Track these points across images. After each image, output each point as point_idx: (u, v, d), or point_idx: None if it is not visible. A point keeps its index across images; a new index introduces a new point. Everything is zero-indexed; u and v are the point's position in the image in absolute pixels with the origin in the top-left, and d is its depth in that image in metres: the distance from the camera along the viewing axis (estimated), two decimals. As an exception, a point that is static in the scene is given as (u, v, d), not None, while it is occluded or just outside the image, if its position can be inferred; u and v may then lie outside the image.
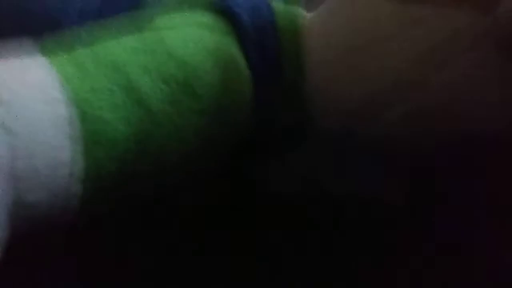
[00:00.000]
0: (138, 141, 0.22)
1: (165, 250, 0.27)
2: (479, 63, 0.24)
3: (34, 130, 0.20)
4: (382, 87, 0.24)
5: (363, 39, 0.25)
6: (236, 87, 0.25)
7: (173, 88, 0.23)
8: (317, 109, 0.26)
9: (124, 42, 0.24)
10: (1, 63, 0.22)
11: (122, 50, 0.23)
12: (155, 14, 0.25)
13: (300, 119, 0.26)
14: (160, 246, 0.27)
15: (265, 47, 0.25)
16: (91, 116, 0.21)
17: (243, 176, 0.28)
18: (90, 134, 0.21)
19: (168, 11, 0.26)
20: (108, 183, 0.23)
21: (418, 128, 0.24)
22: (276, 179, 0.28)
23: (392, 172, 0.27)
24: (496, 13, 0.23)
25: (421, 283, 0.25)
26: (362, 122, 0.25)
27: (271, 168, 0.28)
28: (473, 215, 0.26)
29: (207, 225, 0.27)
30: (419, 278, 0.25)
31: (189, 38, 0.24)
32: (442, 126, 0.24)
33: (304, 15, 0.27)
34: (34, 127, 0.20)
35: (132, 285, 0.26)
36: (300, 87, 0.25)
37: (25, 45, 0.23)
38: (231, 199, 0.28)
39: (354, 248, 0.27)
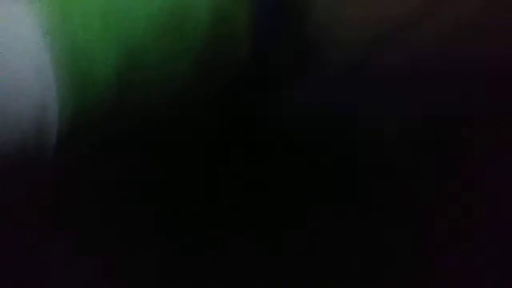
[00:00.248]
0: (118, 65, 0.21)
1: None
2: None
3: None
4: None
5: None
6: (232, 9, 0.24)
7: (158, 6, 0.22)
8: (324, 35, 0.25)
9: None
10: None
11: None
12: None
13: (303, 46, 0.26)
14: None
15: None
16: (63, 39, 0.20)
17: (243, 109, 0.28)
18: (64, 59, 0.20)
19: None
20: (88, 114, 0.22)
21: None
22: (277, 112, 0.28)
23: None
24: None
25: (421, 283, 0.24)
26: (383, 45, 0.25)
27: (271, 101, 0.28)
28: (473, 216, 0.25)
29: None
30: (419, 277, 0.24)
31: None
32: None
33: None
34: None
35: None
36: (305, 13, 0.25)
37: None
38: (231, 135, 0.27)
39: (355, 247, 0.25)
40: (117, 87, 0.22)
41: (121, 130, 0.23)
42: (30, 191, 0.25)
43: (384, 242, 0.24)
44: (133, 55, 0.22)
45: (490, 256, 0.23)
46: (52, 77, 0.20)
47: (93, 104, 0.22)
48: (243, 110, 0.27)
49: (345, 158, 0.26)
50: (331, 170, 0.26)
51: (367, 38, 0.25)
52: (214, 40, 0.23)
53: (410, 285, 0.23)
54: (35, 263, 0.23)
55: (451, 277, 0.23)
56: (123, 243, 0.24)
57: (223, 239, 0.24)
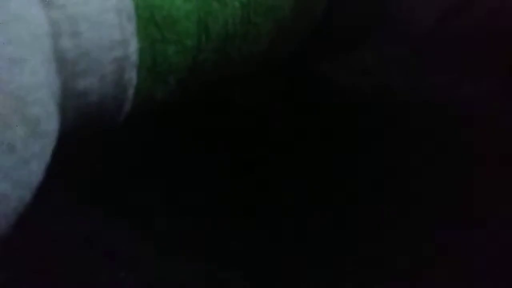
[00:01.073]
0: (199, 20, 0.20)
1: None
2: None
3: (76, 1, 0.17)
4: None
5: None
6: None
7: None
8: (399, 3, 0.24)
9: None
10: None
11: None
12: None
13: (376, 7, 0.25)
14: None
15: None
16: None
17: (306, 70, 0.26)
18: (143, 8, 0.19)
19: None
20: (165, 71, 0.20)
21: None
22: (341, 74, 0.27)
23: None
24: None
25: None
26: (459, 11, 0.24)
27: (336, 63, 0.27)
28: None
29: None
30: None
31: None
32: None
33: None
34: None
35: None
36: None
37: None
38: (294, 96, 0.26)
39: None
40: (197, 41, 0.19)
41: (198, 87, 0.21)
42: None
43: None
44: (215, 7, 0.20)
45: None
46: (132, 28, 0.18)
47: (172, 60, 0.19)
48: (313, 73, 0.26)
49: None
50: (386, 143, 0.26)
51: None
52: (299, 1, 0.22)
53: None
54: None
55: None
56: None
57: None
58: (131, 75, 0.20)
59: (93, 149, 0.24)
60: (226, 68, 0.22)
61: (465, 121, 0.28)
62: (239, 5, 0.21)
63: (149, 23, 0.19)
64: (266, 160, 0.27)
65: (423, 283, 0.23)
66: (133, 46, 0.19)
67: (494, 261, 0.23)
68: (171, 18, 0.20)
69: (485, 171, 0.25)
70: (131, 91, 0.20)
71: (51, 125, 0.17)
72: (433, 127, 0.28)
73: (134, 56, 0.20)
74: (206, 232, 0.23)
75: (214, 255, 0.23)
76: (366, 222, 0.24)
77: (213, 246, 0.23)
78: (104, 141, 0.24)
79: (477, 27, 0.26)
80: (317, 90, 0.30)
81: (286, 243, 0.24)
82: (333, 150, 0.27)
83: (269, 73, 0.27)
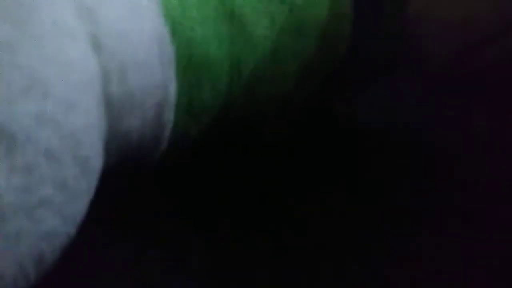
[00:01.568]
0: (231, 63, 0.21)
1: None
2: None
3: (125, 49, 0.18)
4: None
5: None
6: (338, 7, 0.23)
7: (269, 6, 0.21)
8: (420, 32, 0.25)
9: None
10: None
11: None
12: None
13: (394, 50, 0.26)
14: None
15: None
16: (181, 33, 0.20)
17: (326, 108, 0.28)
18: (182, 54, 0.20)
19: None
20: (199, 111, 0.22)
21: None
22: (359, 112, 0.28)
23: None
24: None
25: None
26: (480, 44, 0.24)
27: (354, 101, 0.28)
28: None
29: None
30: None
31: None
32: None
33: None
34: (124, 45, 0.18)
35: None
36: (402, 7, 0.25)
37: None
38: (313, 133, 0.27)
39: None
40: (229, 84, 0.21)
41: (228, 126, 0.22)
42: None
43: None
44: (246, 52, 0.21)
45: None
46: (172, 73, 0.19)
47: (206, 101, 0.21)
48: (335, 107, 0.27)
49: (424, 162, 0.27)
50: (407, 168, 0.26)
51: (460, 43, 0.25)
52: (326, 41, 0.23)
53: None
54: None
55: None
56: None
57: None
58: (169, 116, 0.21)
59: (126, 182, 0.26)
60: (254, 107, 0.24)
61: (480, 158, 0.29)
62: (269, 49, 0.22)
63: (187, 68, 0.21)
64: (290, 192, 0.28)
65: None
66: (172, 90, 0.20)
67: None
68: (207, 63, 0.21)
69: (499, 209, 0.26)
70: (168, 131, 0.22)
71: (98, 164, 0.19)
72: (446, 165, 0.29)
73: (172, 99, 0.21)
74: (238, 263, 0.24)
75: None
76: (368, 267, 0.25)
77: (245, 278, 0.24)
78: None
79: (492, 65, 0.27)
80: (333, 127, 0.31)
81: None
82: (349, 187, 0.28)
83: (291, 111, 0.28)
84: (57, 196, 0.18)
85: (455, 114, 0.32)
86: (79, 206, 0.19)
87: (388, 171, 0.29)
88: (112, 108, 0.19)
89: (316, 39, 0.23)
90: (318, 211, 0.27)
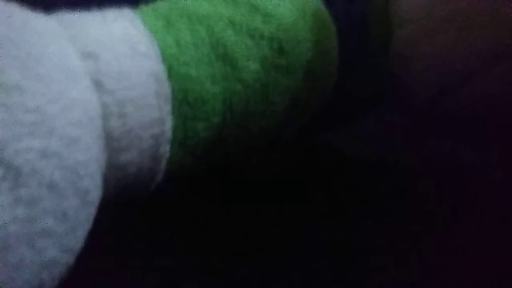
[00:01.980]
0: (224, 101, 0.22)
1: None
2: None
3: (124, 87, 0.20)
4: (495, 43, 0.23)
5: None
6: (325, 45, 0.24)
7: (259, 43, 0.22)
8: (402, 69, 0.26)
9: None
10: (84, 15, 0.21)
11: (205, 2, 0.22)
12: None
13: (380, 81, 0.26)
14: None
15: (351, 1, 0.25)
16: (177, 73, 0.21)
17: (313, 140, 0.29)
18: (178, 91, 0.21)
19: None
20: (194, 145, 0.22)
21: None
22: (347, 142, 0.29)
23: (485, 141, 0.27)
24: None
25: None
26: (460, 84, 0.25)
27: (341, 132, 0.29)
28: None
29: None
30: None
31: None
32: None
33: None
34: (124, 83, 0.20)
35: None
36: (386, 45, 0.26)
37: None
38: (300, 165, 0.28)
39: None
40: (222, 118, 0.22)
41: (220, 158, 0.24)
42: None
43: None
44: (238, 89, 0.22)
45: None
46: (168, 108, 0.21)
47: (201, 134, 0.22)
48: (321, 143, 0.28)
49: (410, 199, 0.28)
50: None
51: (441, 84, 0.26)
52: (312, 79, 0.24)
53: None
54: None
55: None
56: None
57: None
58: (165, 149, 0.22)
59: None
60: (246, 140, 0.25)
61: (463, 189, 0.30)
62: (259, 86, 0.23)
63: (182, 103, 0.21)
64: (279, 219, 0.29)
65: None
66: (168, 124, 0.22)
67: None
68: (201, 99, 0.22)
69: (486, 242, 0.27)
70: (164, 163, 0.22)
71: (97, 195, 0.20)
72: (435, 194, 0.30)
73: (168, 132, 0.22)
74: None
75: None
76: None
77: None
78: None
79: (477, 102, 0.27)
80: (323, 158, 0.32)
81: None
82: (339, 216, 0.29)
83: (281, 144, 0.29)
84: (58, 226, 0.19)
85: (440, 146, 0.33)
86: (78, 237, 0.20)
87: (375, 201, 0.30)
88: (111, 142, 0.20)
89: (303, 77, 0.23)
90: (304, 244, 0.28)
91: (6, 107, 0.16)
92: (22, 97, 0.17)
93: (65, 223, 0.19)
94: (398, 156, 0.32)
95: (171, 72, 0.21)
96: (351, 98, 0.27)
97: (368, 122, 0.33)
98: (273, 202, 0.29)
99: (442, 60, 0.25)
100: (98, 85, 0.19)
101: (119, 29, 0.20)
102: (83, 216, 0.19)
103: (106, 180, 0.20)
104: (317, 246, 0.28)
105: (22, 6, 0.19)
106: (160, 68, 0.21)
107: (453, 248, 0.27)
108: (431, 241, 0.28)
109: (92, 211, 0.20)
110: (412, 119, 0.31)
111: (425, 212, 0.29)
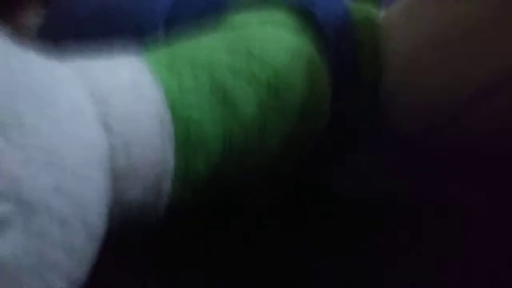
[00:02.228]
0: (224, 142, 0.23)
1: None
2: None
3: (130, 129, 0.21)
4: (478, 85, 0.24)
5: (455, 34, 0.24)
6: (317, 88, 0.25)
7: (257, 89, 0.24)
8: (395, 109, 0.26)
9: (207, 41, 0.24)
10: (94, 61, 0.22)
11: (206, 49, 0.24)
12: (230, 13, 0.26)
13: (373, 120, 0.27)
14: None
15: (342, 46, 0.26)
16: (180, 116, 0.22)
17: (305, 178, 0.29)
18: (180, 133, 0.22)
19: (242, 10, 0.26)
20: (194, 181, 0.24)
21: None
22: (340, 181, 0.30)
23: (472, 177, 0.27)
24: None
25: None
26: (447, 122, 0.25)
27: (334, 170, 0.30)
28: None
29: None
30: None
31: (267, 37, 0.25)
32: None
33: (380, 13, 0.27)
34: (130, 126, 0.21)
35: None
36: (377, 86, 0.26)
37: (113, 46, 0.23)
38: (292, 201, 0.29)
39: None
40: (222, 158, 0.24)
41: (218, 194, 0.25)
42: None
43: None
44: (237, 131, 0.24)
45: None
46: (171, 148, 0.22)
47: (201, 172, 0.23)
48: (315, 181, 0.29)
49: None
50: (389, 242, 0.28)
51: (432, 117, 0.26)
52: (305, 119, 0.25)
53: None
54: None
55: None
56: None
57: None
58: (167, 186, 0.23)
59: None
60: (243, 177, 0.26)
61: (452, 224, 0.30)
62: (256, 128, 0.24)
63: (184, 145, 0.23)
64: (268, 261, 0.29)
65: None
66: (171, 163, 0.23)
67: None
68: (202, 141, 0.23)
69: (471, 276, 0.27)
70: (166, 199, 0.23)
71: (102, 230, 0.21)
72: (430, 228, 0.30)
73: (171, 171, 0.23)
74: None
75: None
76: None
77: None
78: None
79: (464, 138, 0.27)
80: (315, 196, 0.32)
81: None
82: (332, 256, 0.30)
83: (275, 181, 0.30)
84: (66, 260, 0.20)
85: (430, 180, 0.33)
86: (83, 269, 0.21)
87: (365, 236, 0.31)
88: (118, 180, 0.21)
89: (297, 117, 0.25)
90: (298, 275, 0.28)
91: (23, 147, 0.18)
92: (36, 138, 0.18)
93: (73, 257, 0.20)
94: (388, 189, 0.33)
95: (174, 116, 0.22)
96: (343, 134, 0.29)
97: (360, 158, 0.33)
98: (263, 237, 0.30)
99: (428, 103, 0.27)
100: (106, 127, 0.21)
101: (127, 76, 0.22)
102: (89, 250, 0.20)
103: (110, 215, 0.21)
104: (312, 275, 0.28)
105: (40, 52, 0.21)
106: (164, 112, 0.22)
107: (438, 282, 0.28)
108: (417, 272, 0.28)
109: (96, 245, 0.21)
110: (400, 154, 0.32)
111: (414, 245, 0.30)
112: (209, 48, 0.24)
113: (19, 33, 0.21)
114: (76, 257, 0.20)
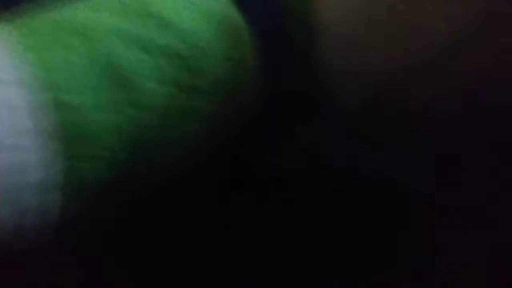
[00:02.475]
0: (126, 133, 0.19)
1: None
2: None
3: None
4: (415, 59, 0.22)
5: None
6: (241, 58, 0.20)
7: (166, 62, 0.18)
8: (326, 79, 0.23)
9: (94, 2, 0.18)
10: None
11: (92, 11, 0.18)
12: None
13: (308, 91, 0.23)
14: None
15: (268, 10, 0.22)
16: (58, 102, 0.17)
17: (242, 153, 0.25)
18: (62, 126, 0.17)
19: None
20: (90, 190, 0.19)
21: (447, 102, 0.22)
22: (279, 155, 0.26)
23: (416, 154, 0.25)
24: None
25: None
26: (392, 91, 0.22)
27: (272, 145, 0.26)
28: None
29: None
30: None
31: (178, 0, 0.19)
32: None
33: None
34: None
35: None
36: (310, 53, 0.22)
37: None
38: (230, 179, 0.25)
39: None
40: (123, 149, 0.18)
41: (128, 198, 0.20)
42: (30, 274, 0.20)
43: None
44: (137, 117, 0.19)
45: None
46: (54, 148, 0.16)
47: (101, 170, 0.18)
48: (248, 160, 0.25)
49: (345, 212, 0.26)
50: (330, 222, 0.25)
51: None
52: (227, 93, 0.21)
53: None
54: None
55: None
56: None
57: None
58: (55, 197, 0.18)
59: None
60: (155, 174, 0.21)
61: (391, 199, 0.28)
62: (164, 112, 0.20)
63: (74, 140, 0.18)
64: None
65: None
66: (53, 168, 0.18)
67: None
68: (92, 132, 0.18)
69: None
70: (54, 215, 0.19)
71: None
72: (372, 202, 0.28)
73: (57, 177, 0.18)
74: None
75: None
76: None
77: None
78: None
79: (403, 112, 0.26)
80: (256, 173, 0.30)
81: None
82: (279, 234, 0.26)
83: (200, 169, 0.26)
84: None
85: (371, 155, 0.32)
86: None
87: (312, 213, 0.27)
88: None
89: (217, 96, 0.20)
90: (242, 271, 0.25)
91: None
92: None
93: None
94: (332, 166, 0.30)
95: (51, 102, 0.17)
96: (278, 111, 0.25)
97: (300, 134, 0.30)
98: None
99: (368, 71, 0.23)
100: None
101: None
102: None
103: None
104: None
105: None
106: (35, 98, 0.16)
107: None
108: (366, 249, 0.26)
109: None
110: (336, 128, 0.29)
111: (362, 220, 0.27)
112: (97, 9, 0.18)
113: None
114: None
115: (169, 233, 0.25)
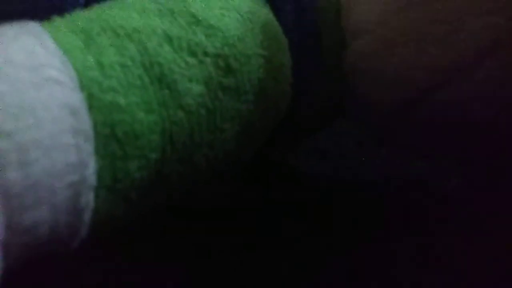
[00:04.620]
0: (163, 132, 0.18)
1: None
2: None
3: (26, 126, 0.15)
4: (446, 63, 0.21)
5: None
6: (276, 58, 0.20)
7: (202, 61, 0.18)
8: (359, 82, 0.22)
9: (135, 3, 0.18)
10: None
11: (134, 12, 0.18)
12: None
13: (336, 95, 0.23)
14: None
15: (301, 12, 0.21)
16: (100, 101, 0.16)
17: (264, 155, 0.24)
18: (102, 125, 0.16)
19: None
20: (126, 188, 0.18)
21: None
22: (300, 158, 0.25)
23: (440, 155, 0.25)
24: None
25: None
26: (425, 95, 0.22)
27: (296, 148, 0.25)
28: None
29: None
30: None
31: None
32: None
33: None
34: (26, 121, 0.15)
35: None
36: (340, 58, 0.22)
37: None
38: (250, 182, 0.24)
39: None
40: (161, 154, 0.17)
41: (162, 200, 0.19)
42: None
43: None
44: (180, 117, 0.18)
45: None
46: (90, 147, 0.15)
47: (134, 176, 0.17)
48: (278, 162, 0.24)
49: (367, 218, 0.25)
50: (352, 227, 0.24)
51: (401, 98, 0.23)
52: (265, 100, 0.20)
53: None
54: None
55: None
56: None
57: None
58: (88, 198, 0.17)
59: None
60: (192, 177, 0.20)
61: (419, 202, 0.27)
62: (205, 112, 0.19)
63: (109, 140, 0.17)
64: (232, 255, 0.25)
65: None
66: (91, 167, 0.17)
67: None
68: (134, 132, 0.17)
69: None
70: (87, 216, 0.18)
71: None
72: (391, 207, 0.27)
73: (92, 178, 0.17)
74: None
75: None
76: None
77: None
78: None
79: (438, 115, 0.25)
80: (278, 177, 0.29)
81: None
82: (299, 238, 0.25)
83: (234, 171, 0.25)
84: None
85: (396, 160, 0.30)
86: None
87: (335, 218, 0.26)
88: (10, 199, 0.15)
89: (255, 99, 0.19)
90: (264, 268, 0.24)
91: None
92: None
93: None
94: (354, 170, 0.29)
95: (93, 102, 0.16)
96: (306, 114, 0.24)
97: (322, 138, 0.29)
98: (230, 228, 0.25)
99: (401, 74, 0.22)
100: None
101: (21, 49, 0.15)
102: None
103: (7, 246, 0.14)
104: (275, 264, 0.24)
105: None
106: (76, 98, 0.16)
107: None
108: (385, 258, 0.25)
109: None
110: (367, 132, 0.28)
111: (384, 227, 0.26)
112: (137, 10, 0.18)
113: None
114: None
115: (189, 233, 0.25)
